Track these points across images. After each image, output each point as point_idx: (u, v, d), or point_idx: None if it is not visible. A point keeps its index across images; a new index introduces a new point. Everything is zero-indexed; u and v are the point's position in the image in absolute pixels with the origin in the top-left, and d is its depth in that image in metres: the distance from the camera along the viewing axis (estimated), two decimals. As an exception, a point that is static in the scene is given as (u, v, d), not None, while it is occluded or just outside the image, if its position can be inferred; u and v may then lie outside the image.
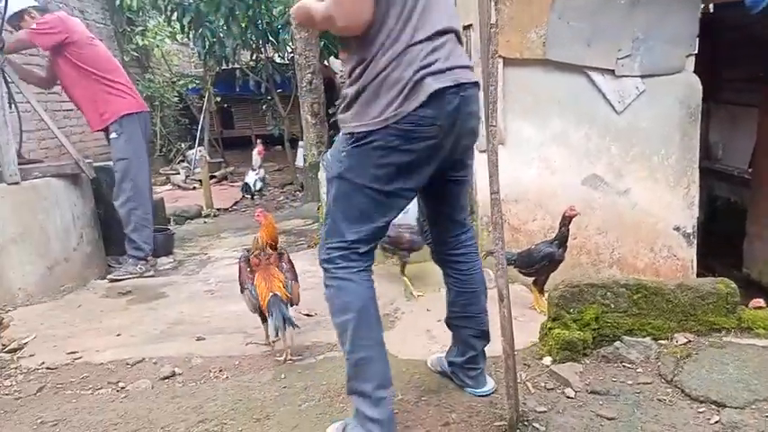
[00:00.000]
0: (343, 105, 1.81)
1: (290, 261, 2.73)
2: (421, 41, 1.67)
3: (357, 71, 1.73)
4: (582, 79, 3.70)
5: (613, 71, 3.65)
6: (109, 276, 3.95)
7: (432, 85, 1.66)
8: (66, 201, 3.73)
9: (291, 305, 2.59)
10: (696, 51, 3.61)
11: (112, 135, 4.01)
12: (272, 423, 2.05)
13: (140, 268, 4.03)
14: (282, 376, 2.41)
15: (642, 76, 3.65)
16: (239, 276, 2.68)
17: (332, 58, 9.20)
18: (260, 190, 6.66)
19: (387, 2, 1.65)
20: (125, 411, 2.16)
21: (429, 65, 1.67)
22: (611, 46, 3.62)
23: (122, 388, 2.38)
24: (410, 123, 1.67)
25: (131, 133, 4.00)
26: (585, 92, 3.71)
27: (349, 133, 1.76)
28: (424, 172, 1.79)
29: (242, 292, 2.64)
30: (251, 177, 6.63)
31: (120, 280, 3.88)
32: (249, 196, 6.69)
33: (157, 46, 9.60)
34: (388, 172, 1.73)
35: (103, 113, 3.99)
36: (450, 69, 1.69)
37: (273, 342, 2.70)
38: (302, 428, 2.00)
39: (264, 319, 2.58)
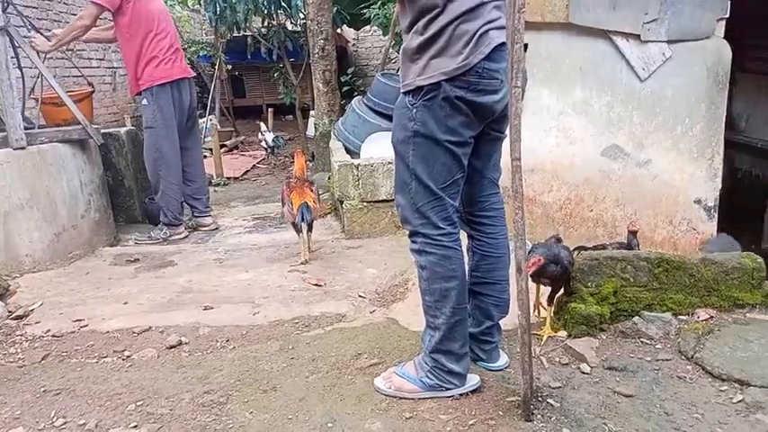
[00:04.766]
0: (406, 59, 1.81)
1: (316, 189, 3.61)
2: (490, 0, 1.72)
3: (422, 22, 1.73)
4: (605, 45, 3.55)
5: (639, 36, 3.49)
6: (135, 238, 4.10)
7: (497, 37, 1.70)
8: (74, 166, 3.68)
9: (314, 219, 3.44)
10: (727, 15, 3.44)
11: (143, 102, 3.98)
12: (279, 394, 2.00)
13: (164, 233, 4.06)
14: (290, 347, 2.36)
15: (669, 42, 3.49)
16: (282, 196, 3.59)
17: (345, 26, 9.01)
18: (275, 147, 7.14)
19: None
20: (129, 381, 2.13)
21: (493, 20, 1.72)
22: (637, 9, 3.45)
23: (128, 357, 2.35)
24: (476, 75, 1.71)
25: (162, 104, 3.94)
26: (609, 58, 3.57)
27: (417, 88, 1.76)
28: (480, 126, 1.84)
29: (283, 205, 3.53)
30: (269, 135, 7.18)
31: (142, 244, 3.99)
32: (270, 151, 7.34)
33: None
34: (459, 123, 1.77)
35: (139, 78, 3.94)
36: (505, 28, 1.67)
37: (306, 254, 3.45)
38: (309, 400, 1.96)
39: (299, 232, 3.43)
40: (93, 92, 4.26)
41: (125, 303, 2.90)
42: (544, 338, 2.27)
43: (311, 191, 3.51)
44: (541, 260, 2.17)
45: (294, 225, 3.42)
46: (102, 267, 3.49)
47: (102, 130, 4.23)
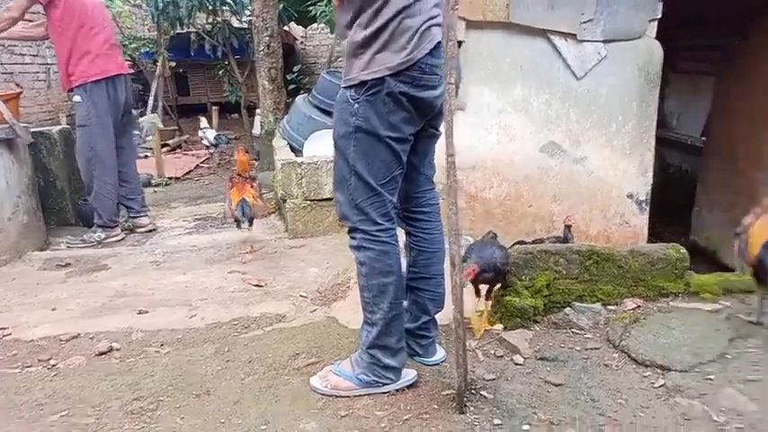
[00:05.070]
0: (349, 53, 1.78)
1: (258, 187, 3.71)
2: None
3: (367, 15, 1.71)
4: (544, 44, 3.63)
5: (575, 35, 3.58)
6: (67, 241, 3.91)
7: (438, 34, 1.72)
8: (0, 167, 3.50)
9: (254, 217, 3.49)
10: (659, 16, 3.57)
11: (75, 98, 3.83)
12: (213, 398, 1.96)
13: (99, 236, 3.91)
14: (227, 349, 2.31)
15: (604, 41, 3.60)
16: (224, 191, 3.72)
17: (292, 23, 8.90)
18: (217, 145, 7.00)
19: None
20: (54, 391, 2.04)
21: (434, 17, 1.74)
22: (574, 9, 3.55)
23: (53, 366, 2.25)
24: (419, 71, 1.73)
25: (96, 101, 3.80)
26: (547, 57, 3.65)
27: (360, 82, 1.75)
28: (421, 123, 1.85)
29: (225, 200, 3.63)
30: (210, 133, 6.89)
31: (74, 247, 3.82)
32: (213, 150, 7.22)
33: (108, 6, 9.10)
34: (401, 119, 1.78)
35: (71, 75, 3.79)
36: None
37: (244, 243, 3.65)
38: (244, 403, 1.92)
39: (239, 225, 3.49)
40: (20, 93, 4.07)
41: (53, 310, 2.78)
42: (480, 332, 2.30)
43: (252, 187, 3.51)
44: (476, 269, 2.17)
45: (236, 221, 3.44)
46: (29, 273, 3.33)
47: (33, 129, 4.05)
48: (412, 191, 2.03)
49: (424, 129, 1.91)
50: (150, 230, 4.20)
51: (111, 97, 3.88)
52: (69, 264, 3.45)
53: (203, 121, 7.35)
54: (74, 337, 2.47)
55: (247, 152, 3.97)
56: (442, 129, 1.95)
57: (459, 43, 1.80)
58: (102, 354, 2.33)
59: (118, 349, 2.38)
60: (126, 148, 4.12)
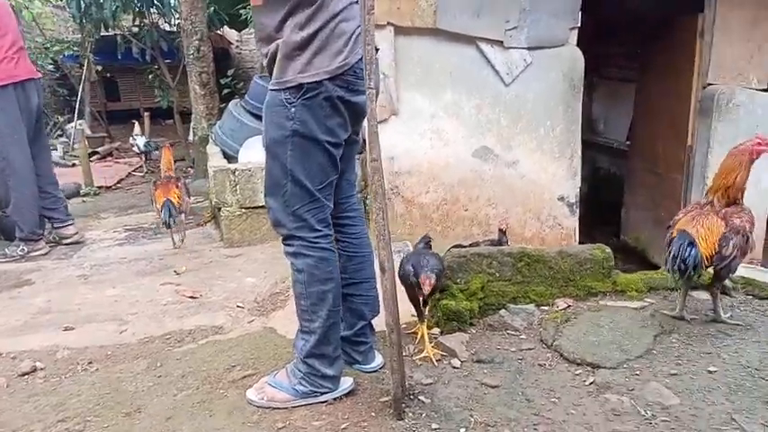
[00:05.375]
0: (285, 55, 1.73)
1: (184, 185, 3.83)
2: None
3: (304, 16, 1.68)
4: (472, 50, 3.71)
5: (502, 42, 3.68)
6: None
7: None
8: None
9: (182, 212, 3.65)
10: (579, 24, 3.72)
11: None
12: (143, 416, 1.89)
13: (21, 250, 3.70)
14: (158, 364, 2.24)
15: (529, 48, 3.71)
16: (151, 196, 3.88)
17: (226, 27, 8.72)
18: (147, 152, 6.89)
19: None
20: (-31, 416, 1.91)
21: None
22: (499, 17, 3.64)
23: (-30, 389, 2.11)
24: (353, 75, 1.74)
25: (5, 107, 3.58)
26: (476, 63, 3.73)
27: (297, 85, 1.72)
28: (352, 128, 1.87)
29: (152, 203, 3.82)
30: (141, 140, 6.75)
31: None
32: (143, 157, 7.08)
33: (26, 7, 8.62)
34: (337, 123, 1.78)
35: None
36: None
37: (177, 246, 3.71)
38: (177, 419, 1.86)
39: (168, 227, 3.61)
40: None
41: (-31, 330, 2.61)
42: (418, 337, 2.32)
43: (177, 186, 3.56)
44: (433, 279, 2.08)
45: (164, 224, 3.56)
46: (-57, 291, 3.11)
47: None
48: (338, 197, 2.01)
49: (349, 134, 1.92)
50: (77, 242, 4.00)
51: (22, 103, 3.67)
52: (-13, 280, 3.25)
53: (136, 128, 7.08)
54: (-7, 358, 2.33)
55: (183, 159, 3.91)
56: (360, 133, 2.00)
57: (376, 49, 1.82)
58: (24, 374, 2.21)
59: (42, 369, 2.26)
60: (39, 158, 3.90)
